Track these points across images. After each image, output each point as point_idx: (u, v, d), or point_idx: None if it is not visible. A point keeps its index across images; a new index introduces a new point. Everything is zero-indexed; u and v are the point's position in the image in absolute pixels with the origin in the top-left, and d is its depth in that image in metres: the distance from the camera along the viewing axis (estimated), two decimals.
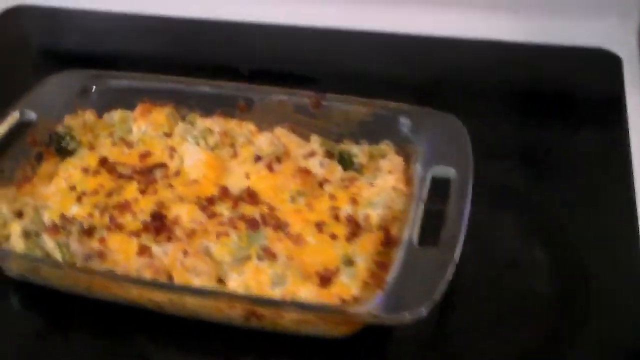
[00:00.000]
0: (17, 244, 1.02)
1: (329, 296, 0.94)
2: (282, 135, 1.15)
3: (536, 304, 1.00)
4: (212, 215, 1.04)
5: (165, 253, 0.99)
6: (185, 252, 0.98)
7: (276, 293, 0.95)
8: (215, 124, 1.17)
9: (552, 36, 1.37)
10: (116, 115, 1.21)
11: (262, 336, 0.97)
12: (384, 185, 1.06)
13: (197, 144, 1.15)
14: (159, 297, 0.97)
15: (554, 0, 1.40)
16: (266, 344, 0.97)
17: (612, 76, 1.32)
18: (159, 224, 1.03)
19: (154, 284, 0.96)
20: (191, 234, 1.01)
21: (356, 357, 0.96)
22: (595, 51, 1.36)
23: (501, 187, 1.12)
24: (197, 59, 1.45)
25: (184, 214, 1.04)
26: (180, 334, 0.99)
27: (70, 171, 1.12)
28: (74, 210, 1.06)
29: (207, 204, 1.05)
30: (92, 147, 1.17)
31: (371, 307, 0.89)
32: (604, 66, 1.34)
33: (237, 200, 1.06)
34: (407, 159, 1.11)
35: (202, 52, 1.47)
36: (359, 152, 1.12)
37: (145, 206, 1.06)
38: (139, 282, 0.96)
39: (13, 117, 1.16)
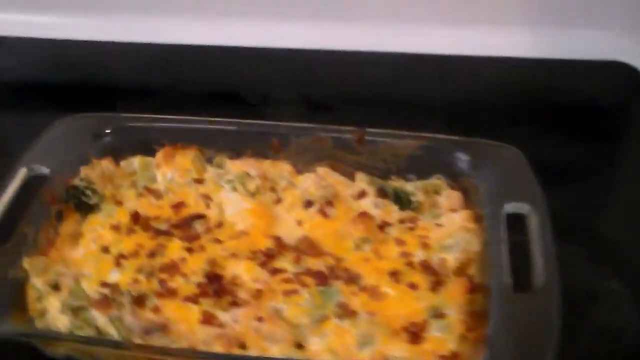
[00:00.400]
0: (59, 320, 0.90)
1: (425, 354, 0.87)
2: (327, 175, 1.07)
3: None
4: (274, 272, 0.95)
5: (234, 320, 0.89)
6: (259, 318, 0.89)
7: (365, 354, 0.87)
8: (248, 166, 1.08)
9: (568, 50, 1.34)
10: (136, 162, 1.10)
11: None
12: (452, 225, 1.00)
13: (235, 190, 1.05)
14: None
15: (566, 14, 1.37)
16: None
17: (633, 87, 1.30)
18: (218, 287, 0.93)
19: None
20: (257, 296, 0.92)
21: None
22: (612, 64, 1.33)
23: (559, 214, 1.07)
24: (196, 89, 1.35)
25: (242, 272, 0.95)
26: None
27: (99, 230, 1.01)
28: (115, 276, 0.95)
29: (265, 260, 0.96)
30: (116, 201, 1.05)
31: None
32: (622, 78, 1.32)
33: (296, 252, 0.97)
34: (465, 194, 1.05)
35: (200, 81, 1.37)
36: (414, 189, 1.05)
37: (195, 266, 0.96)
38: (224, 357, 0.86)
39: (23, 173, 1.03)
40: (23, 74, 1.39)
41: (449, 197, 1.04)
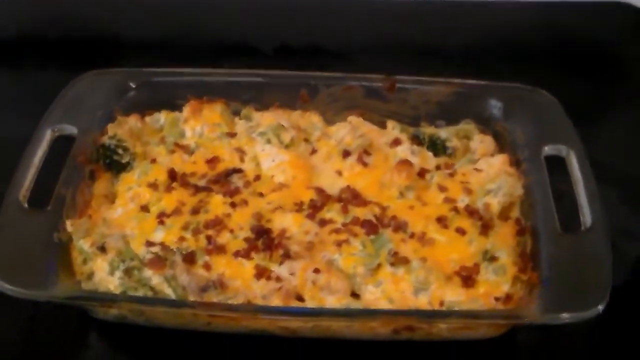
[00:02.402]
0: (108, 282, 0.89)
1: (480, 297, 0.88)
2: (360, 124, 1.07)
3: None
4: (323, 223, 0.95)
5: (291, 273, 0.89)
6: (315, 270, 0.89)
7: (422, 300, 0.88)
8: (279, 117, 1.07)
9: None
10: (162, 117, 1.08)
11: (397, 346, 0.90)
12: (491, 170, 1.00)
13: (269, 142, 1.04)
14: (297, 324, 0.88)
15: None
16: (403, 354, 0.91)
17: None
18: (267, 240, 0.92)
19: (324, 313, 0.87)
20: (309, 248, 0.92)
21: (507, 356, 0.91)
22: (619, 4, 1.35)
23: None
24: (208, 42, 1.31)
25: (291, 225, 0.94)
26: (308, 356, 0.91)
27: (135, 189, 0.99)
28: (159, 235, 0.94)
29: (311, 211, 0.96)
30: (146, 158, 1.03)
31: (535, 306, 0.84)
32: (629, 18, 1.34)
33: (341, 202, 0.97)
34: (497, 139, 1.05)
35: (212, 33, 1.33)
36: (448, 135, 1.05)
37: (241, 221, 0.95)
38: (293, 312, 0.86)
39: (49, 134, 1.00)
40: (24, 31, 1.33)
41: (482, 142, 1.05)
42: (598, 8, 1.36)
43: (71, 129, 1.02)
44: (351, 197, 0.97)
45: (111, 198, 1.00)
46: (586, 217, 0.91)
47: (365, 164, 1.01)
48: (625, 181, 1.08)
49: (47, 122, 1.01)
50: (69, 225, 0.92)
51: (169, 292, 0.88)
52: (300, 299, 0.88)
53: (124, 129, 1.04)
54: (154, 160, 1.02)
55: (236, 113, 1.09)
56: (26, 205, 0.92)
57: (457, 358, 0.90)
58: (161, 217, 0.95)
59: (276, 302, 0.87)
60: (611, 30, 1.34)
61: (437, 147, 1.04)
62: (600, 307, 0.82)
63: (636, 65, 1.29)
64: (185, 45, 1.29)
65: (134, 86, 1.08)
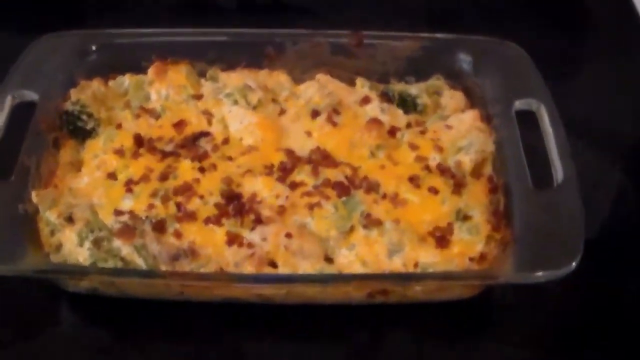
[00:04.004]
0: (78, 254, 0.87)
1: (454, 257, 0.88)
2: (328, 82, 1.05)
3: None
4: (294, 186, 0.93)
5: (263, 239, 0.88)
6: (287, 234, 0.88)
7: (396, 263, 0.88)
8: (245, 78, 1.04)
9: None
10: (126, 81, 1.05)
11: (372, 310, 0.90)
12: (462, 126, 0.99)
13: (236, 103, 1.02)
14: (271, 290, 0.87)
15: None
16: (378, 317, 0.90)
17: None
18: (237, 206, 0.91)
19: (298, 279, 0.86)
20: (281, 212, 0.91)
21: (483, 315, 0.92)
22: None
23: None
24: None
25: (261, 189, 0.93)
26: (282, 322, 0.90)
27: (101, 156, 0.97)
28: (128, 203, 0.92)
29: (282, 174, 0.94)
30: (111, 123, 1.00)
31: (509, 265, 0.84)
32: None
33: (311, 163, 0.95)
34: (467, 94, 1.04)
35: None
36: (418, 91, 1.03)
37: (211, 186, 0.93)
38: (267, 279, 0.85)
39: (11, 100, 0.97)
40: None
41: (452, 98, 1.04)
42: None
43: (32, 95, 0.98)
44: (321, 158, 0.96)
45: (77, 166, 0.97)
46: (558, 172, 0.90)
47: (334, 124, 1.00)
48: (596, 134, 1.07)
49: (6, 88, 0.98)
50: (34, 195, 0.90)
51: (139, 262, 0.86)
52: (273, 264, 0.88)
53: (86, 93, 1.01)
54: (119, 126, 1.00)
55: (202, 74, 1.06)
56: None
57: (433, 319, 0.90)
58: (129, 185, 0.93)
59: (249, 269, 0.86)
60: None
61: (407, 104, 1.02)
62: (574, 264, 0.82)
63: (606, 18, 1.27)
64: (145, 4, 1.25)
65: (95, 48, 1.05)
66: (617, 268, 0.95)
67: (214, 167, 0.95)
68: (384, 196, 0.93)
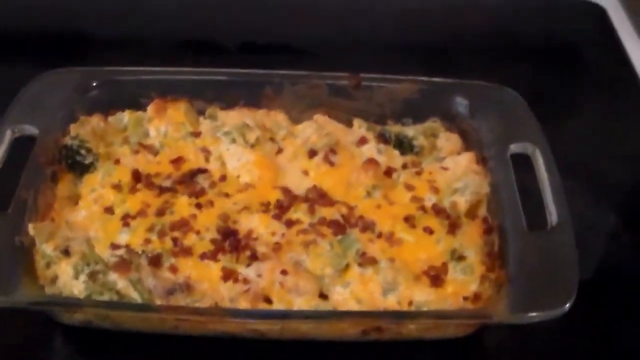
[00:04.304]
0: (73, 286, 0.87)
1: (448, 296, 0.88)
2: (326, 123, 1.06)
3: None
4: (290, 224, 0.94)
5: (258, 275, 0.88)
6: (282, 271, 0.88)
7: (390, 300, 0.88)
8: (244, 116, 1.06)
9: None
10: (126, 117, 1.06)
11: (366, 346, 0.90)
12: (458, 168, 1.00)
13: (234, 141, 1.03)
14: (265, 326, 0.87)
15: None
16: (372, 354, 0.90)
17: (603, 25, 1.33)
18: (233, 242, 0.91)
19: (292, 315, 0.86)
20: (276, 249, 0.91)
21: (476, 355, 0.92)
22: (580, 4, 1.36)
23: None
24: (170, 38, 1.29)
25: (257, 226, 0.93)
26: (275, 358, 0.90)
27: (99, 191, 0.97)
28: (124, 237, 0.92)
29: (278, 212, 0.95)
30: (110, 159, 1.01)
31: (504, 305, 0.85)
32: (593, 17, 1.35)
33: (308, 202, 0.96)
34: (463, 136, 1.05)
35: (173, 30, 1.31)
36: (415, 133, 1.05)
37: (207, 222, 0.94)
38: (261, 314, 0.85)
39: (9, 134, 0.98)
40: None
41: (449, 140, 1.05)
42: (563, 6, 1.36)
43: (32, 129, 0.99)
44: (318, 197, 0.97)
45: (74, 200, 0.98)
46: (552, 215, 0.91)
47: (331, 163, 1.01)
48: (590, 176, 1.09)
49: (6, 122, 0.99)
50: (31, 228, 0.90)
51: (134, 295, 0.86)
52: (268, 300, 0.88)
53: (86, 129, 1.02)
54: (117, 161, 1.01)
55: (201, 112, 1.08)
56: None
57: (426, 357, 0.90)
58: (126, 219, 0.94)
59: (244, 304, 0.87)
60: (575, 28, 1.34)
61: (403, 145, 1.04)
62: (567, 306, 0.82)
63: (598, 61, 1.30)
64: (148, 43, 1.27)
65: (95, 85, 1.06)
66: (611, 309, 0.95)
67: (210, 203, 0.96)
68: (380, 235, 0.93)
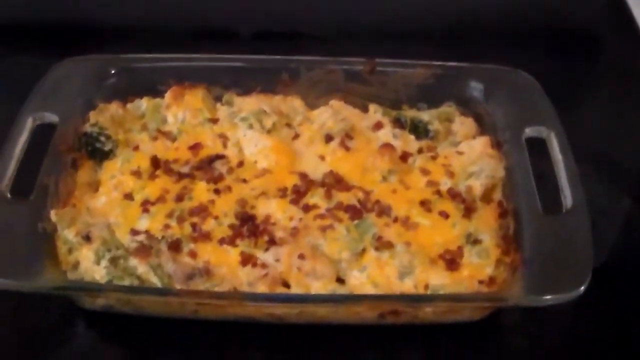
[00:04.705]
0: (94, 272, 0.89)
1: (464, 279, 0.89)
2: (341, 108, 1.07)
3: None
4: (307, 209, 0.95)
5: (276, 259, 0.90)
6: (300, 256, 0.89)
7: (407, 284, 0.89)
8: (261, 102, 1.06)
9: None
10: (144, 104, 1.07)
11: (383, 330, 0.91)
12: (473, 152, 1.01)
13: (251, 127, 1.04)
14: (283, 310, 0.88)
15: None
16: (389, 338, 0.92)
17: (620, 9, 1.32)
18: (251, 227, 0.93)
19: (310, 299, 0.88)
20: (294, 234, 0.92)
21: (492, 337, 0.93)
22: None
23: None
24: (185, 26, 1.30)
25: (275, 211, 0.95)
26: (294, 342, 0.91)
27: (119, 177, 0.99)
28: (144, 223, 0.94)
29: (295, 197, 0.96)
30: (130, 145, 1.03)
31: (519, 288, 0.85)
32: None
33: (324, 187, 0.97)
34: (478, 121, 1.06)
35: (188, 18, 1.32)
36: (430, 118, 1.05)
37: (226, 207, 0.95)
38: (279, 298, 0.87)
39: (30, 122, 0.99)
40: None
41: (463, 124, 1.06)
42: None
43: (52, 117, 1.01)
44: (334, 182, 0.98)
45: (94, 186, 0.99)
46: (567, 198, 0.92)
47: (347, 148, 1.02)
48: (604, 160, 1.09)
49: (27, 110, 1.00)
50: (53, 214, 0.92)
51: (155, 280, 0.88)
52: (286, 285, 0.89)
53: (105, 116, 1.04)
54: (136, 148, 1.02)
55: (218, 99, 1.09)
56: (9, 195, 0.91)
57: (442, 341, 0.91)
58: (145, 205, 0.95)
59: (262, 288, 0.88)
60: (591, 12, 1.34)
61: (419, 130, 1.04)
62: (582, 288, 0.83)
63: (614, 44, 1.30)
64: (164, 31, 1.28)
65: (114, 72, 1.07)
66: (625, 293, 0.96)
67: (228, 189, 0.97)
68: (396, 219, 0.94)
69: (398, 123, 1.05)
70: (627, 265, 1.00)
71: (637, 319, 0.94)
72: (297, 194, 0.96)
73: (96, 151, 1.01)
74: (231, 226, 0.93)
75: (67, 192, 0.97)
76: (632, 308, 0.95)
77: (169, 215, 0.94)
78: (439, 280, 0.89)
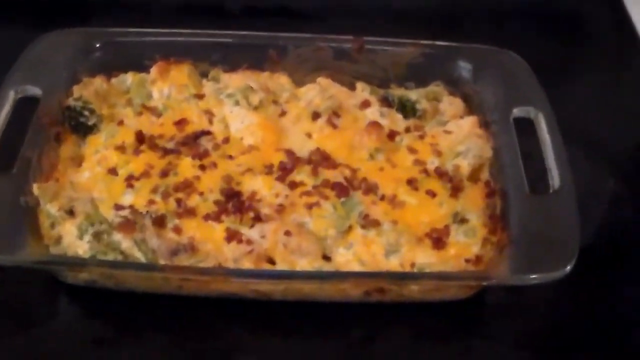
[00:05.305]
0: (77, 246, 0.88)
1: (450, 258, 0.89)
2: (329, 86, 1.06)
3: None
4: (293, 185, 0.94)
5: (262, 236, 0.89)
6: (286, 232, 0.89)
7: (393, 262, 0.89)
8: (247, 79, 1.05)
9: None
10: (129, 79, 1.06)
11: (368, 308, 0.91)
12: (461, 132, 1.01)
13: (237, 104, 1.03)
14: (268, 287, 0.88)
15: None
16: (374, 315, 0.91)
17: None
18: (237, 203, 0.92)
19: (295, 275, 0.87)
20: (280, 210, 0.91)
21: (478, 316, 0.93)
22: None
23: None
24: (174, 0, 1.28)
25: (261, 187, 0.94)
26: (279, 319, 0.91)
27: (103, 152, 0.97)
28: (128, 198, 0.93)
29: (281, 174, 0.95)
30: (113, 120, 1.01)
31: (505, 267, 0.85)
32: None
33: (311, 164, 0.96)
34: (466, 100, 1.06)
35: None
36: (418, 97, 1.05)
37: (211, 183, 0.94)
38: (265, 274, 0.86)
39: (14, 94, 0.98)
40: None
41: (452, 104, 1.05)
42: None
43: (35, 90, 0.99)
44: (321, 159, 0.97)
45: (78, 161, 0.98)
46: (554, 179, 0.92)
47: (334, 126, 1.01)
48: (592, 141, 1.09)
49: (9, 83, 0.99)
50: (35, 188, 0.90)
51: (139, 255, 0.87)
52: (271, 261, 0.89)
53: (89, 90, 1.02)
54: (121, 123, 1.01)
55: (204, 75, 1.08)
56: None
57: (428, 319, 0.91)
58: (130, 180, 0.94)
59: (247, 265, 0.87)
60: None
61: (406, 109, 1.04)
62: (568, 268, 0.83)
63: (603, 27, 1.30)
64: (151, 5, 1.26)
65: (98, 46, 1.06)
66: (612, 273, 0.96)
67: (214, 165, 0.96)
68: (382, 198, 0.94)
69: (386, 102, 1.05)
70: (613, 245, 1.00)
71: (623, 298, 0.95)
72: (284, 171, 0.96)
73: (80, 125, 1.00)
74: (216, 202, 0.92)
75: (50, 166, 0.95)
76: (618, 287, 0.95)
77: (154, 191, 0.93)
78: (426, 258, 0.89)
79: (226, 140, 1.00)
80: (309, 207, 0.92)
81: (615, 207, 1.04)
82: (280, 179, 0.95)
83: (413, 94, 1.05)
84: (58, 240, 0.89)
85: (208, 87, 1.06)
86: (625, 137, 1.12)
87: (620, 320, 0.93)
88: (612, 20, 1.30)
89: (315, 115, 1.02)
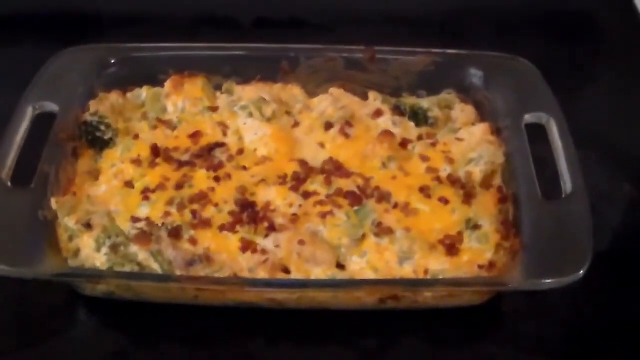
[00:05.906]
0: (95, 259, 0.89)
1: (464, 265, 0.89)
2: (341, 96, 1.07)
3: None
4: (307, 195, 0.95)
5: (276, 245, 0.90)
6: (300, 242, 0.90)
7: (406, 269, 0.89)
8: (260, 91, 1.07)
9: None
10: (144, 93, 1.07)
11: (383, 315, 0.92)
12: (473, 139, 1.01)
13: (251, 115, 1.04)
14: (283, 295, 0.89)
15: None
16: (389, 323, 0.92)
17: None
18: (251, 214, 0.93)
19: (310, 284, 0.88)
20: (294, 220, 0.92)
21: (493, 322, 0.93)
22: None
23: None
24: (184, 15, 1.30)
25: (275, 198, 0.95)
26: (294, 328, 0.92)
27: (119, 166, 0.99)
28: (144, 211, 0.94)
29: (295, 184, 0.96)
30: (130, 134, 1.03)
31: (518, 272, 0.86)
32: None
33: (324, 174, 0.97)
34: (478, 108, 1.06)
35: (188, 6, 1.31)
36: (429, 105, 1.05)
37: (226, 195, 0.95)
38: (280, 284, 0.87)
39: (30, 111, 1.00)
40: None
41: (463, 111, 1.06)
42: None
43: (52, 106, 1.01)
44: (334, 169, 0.98)
45: (95, 175, 1.00)
46: (567, 184, 0.92)
47: (347, 136, 1.02)
48: (604, 146, 1.09)
49: (27, 99, 1.01)
50: (53, 202, 0.92)
51: (155, 267, 0.88)
52: (286, 271, 0.89)
53: (105, 105, 1.04)
54: (136, 136, 1.02)
55: (218, 87, 1.09)
56: (9, 184, 0.92)
57: (442, 325, 0.91)
58: (146, 193, 0.95)
59: (262, 274, 0.88)
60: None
61: (418, 117, 1.05)
62: (582, 272, 0.83)
63: (614, 31, 1.30)
64: (164, 20, 1.28)
65: (114, 62, 1.08)
66: (626, 278, 0.96)
67: (228, 176, 0.97)
68: (395, 206, 0.94)
69: (398, 110, 1.05)
70: (628, 250, 1.00)
71: (638, 302, 0.94)
72: (297, 181, 0.97)
73: (96, 140, 1.01)
74: (231, 213, 0.93)
75: (68, 180, 0.97)
76: (632, 292, 0.95)
77: (169, 203, 0.94)
78: (439, 265, 0.89)
79: (240, 151, 1.01)
80: (323, 216, 0.93)
81: (630, 212, 1.04)
82: (294, 188, 0.96)
83: (425, 102, 1.06)
84: (76, 253, 0.91)
85: (222, 99, 1.07)
86: (639, 141, 1.12)
87: (637, 325, 0.93)
88: (624, 24, 1.30)
89: (328, 126, 1.03)
